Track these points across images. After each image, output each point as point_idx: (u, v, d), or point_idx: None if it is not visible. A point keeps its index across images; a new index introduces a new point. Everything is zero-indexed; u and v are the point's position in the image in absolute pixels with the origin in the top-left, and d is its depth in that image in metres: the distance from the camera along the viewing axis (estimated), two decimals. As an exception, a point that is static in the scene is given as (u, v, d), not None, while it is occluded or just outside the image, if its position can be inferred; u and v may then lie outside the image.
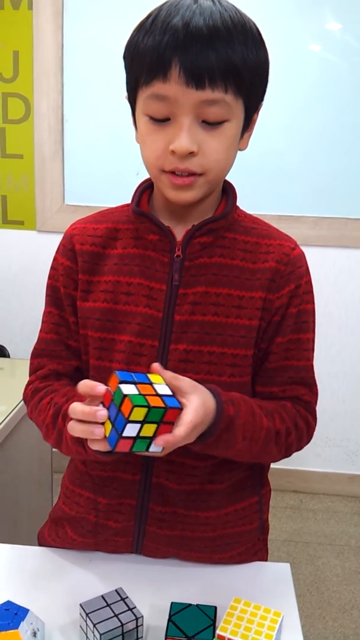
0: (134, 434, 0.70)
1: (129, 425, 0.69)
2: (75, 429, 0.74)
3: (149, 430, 0.70)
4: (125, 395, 0.69)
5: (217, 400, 0.80)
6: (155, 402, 0.70)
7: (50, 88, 2.27)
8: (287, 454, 0.93)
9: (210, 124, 0.78)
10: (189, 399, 0.74)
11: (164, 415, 0.70)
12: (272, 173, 2.27)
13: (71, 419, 0.74)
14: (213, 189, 0.86)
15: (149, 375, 0.74)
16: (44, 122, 2.31)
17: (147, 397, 0.70)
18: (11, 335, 2.46)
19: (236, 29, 0.76)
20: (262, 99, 0.85)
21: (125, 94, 0.86)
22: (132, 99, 0.84)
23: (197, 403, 0.74)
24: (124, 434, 0.69)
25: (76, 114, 2.31)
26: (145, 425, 0.69)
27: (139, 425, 0.69)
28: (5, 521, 1.55)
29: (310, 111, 2.23)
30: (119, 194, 2.57)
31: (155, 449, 0.72)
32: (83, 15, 2.22)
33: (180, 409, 0.72)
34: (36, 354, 0.98)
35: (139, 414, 0.68)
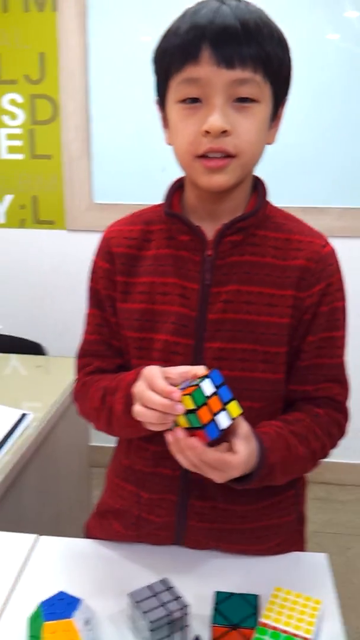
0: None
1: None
2: (147, 416, 0.78)
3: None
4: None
5: (260, 446, 0.83)
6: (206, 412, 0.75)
7: (76, 88, 2.31)
8: (322, 460, 0.96)
9: (242, 102, 0.80)
10: (238, 448, 0.79)
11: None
12: (295, 165, 2.28)
13: (145, 406, 0.78)
14: (245, 174, 0.87)
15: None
16: (71, 122, 2.34)
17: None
18: (44, 333, 2.51)
19: (264, 26, 0.80)
20: (287, 93, 0.87)
21: (153, 98, 0.88)
22: (163, 95, 0.86)
23: (243, 455, 0.79)
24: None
25: (102, 114, 2.34)
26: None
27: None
28: (49, 514, 1.60)
29: (331, 101, 2.24)
30: (146, 190, 2.60)
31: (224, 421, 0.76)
32: (107, 15, 2.25)
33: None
34: (82, 354, 1.01)
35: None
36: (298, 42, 2.33)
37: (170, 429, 0.78)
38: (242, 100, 0.80)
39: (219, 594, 0.86)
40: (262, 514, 0.98)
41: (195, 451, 0.76)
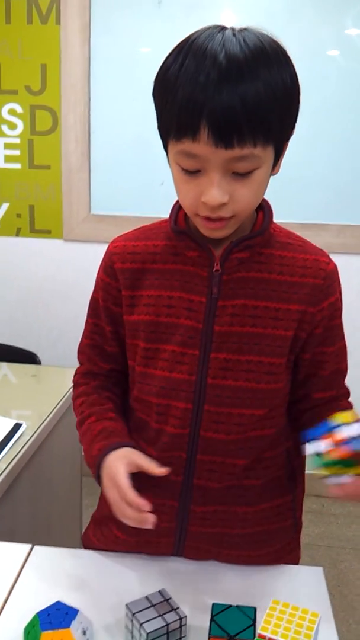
0: None
1: None
2: (129, 521, 0.87)
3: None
4: None
5: None
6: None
7: (77, 101, 2.33)
8: None
9: (240, 174, 0.80)
10: None
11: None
12: (296, 181, 2.30)
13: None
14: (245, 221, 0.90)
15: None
16: (71, 134, 2.36)
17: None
18: (38, 342, 2.52)
19: (259, 63, 0.75)
20: (294, 128, 0.85)
21: (154, 115, 0.86)
22: (164, 141, 0.85)
23: None
24: None
25: (102, 126, 2.36)
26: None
27: None
28: (40, 524, 1.60)
29: (331, 117, 2.26)
30: (144, 203, 2.63)
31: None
32: (109, 29, 2.27)
33: None
34: (80, 350, 1.09)
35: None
36: (299, 57, 2.35)
37: None
38: (241, 173, 0.80)
39: (216, 606, 0.86)
40: (261, 517, 1.00)
41: None
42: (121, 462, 0.89)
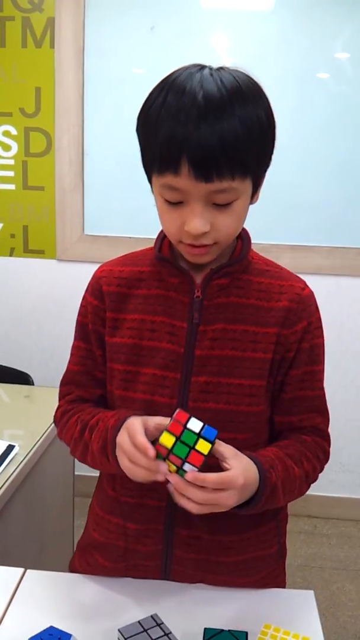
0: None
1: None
2: (134, 472, 0.83)
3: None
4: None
5: (259, 468, 0.87)
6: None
7: (71, 123, 2.36)
8: (312, 483, 1.00)
9: (221, 205, 0.84)
10: (230, 464, 0.82)
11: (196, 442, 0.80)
12: (285, 204, 2.33)
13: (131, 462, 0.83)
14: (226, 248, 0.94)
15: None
16: (65, 156, 2.38)
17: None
18: (31, 361, 2.52)
19: (235, 101, 0.79)
20: (270, 162, 0.89)
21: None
22: (148, 174, 0.89)
23: (238, 468, 0.82)
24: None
25: (96, 148, 2.39)
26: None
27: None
28: (33, 546, 1.59)
29: (322, 141, 2.30)
30: (137, 224, 2.65)
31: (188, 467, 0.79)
32: (103, 53, 2.31)
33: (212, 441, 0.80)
34: (65, 382, 1.05)
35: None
36: (290, 81, 2.39)
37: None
38: (221, 204, 0.84)
39: (208, 630, 0.87)
40: (246, 545, 1.01)
41: (197, 480, 0.78)
42: (137, 419, 0.86)
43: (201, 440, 0.80)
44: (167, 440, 0.80)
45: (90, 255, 2.41)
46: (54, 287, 2.52)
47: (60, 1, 2.26)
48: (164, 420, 0.83)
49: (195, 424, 0.80)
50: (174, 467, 0.80)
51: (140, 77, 2.29)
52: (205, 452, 0.79)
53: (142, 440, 0.81)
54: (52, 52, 2.32)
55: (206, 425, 0.81)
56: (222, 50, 2.27)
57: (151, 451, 0.79)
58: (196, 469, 0.79)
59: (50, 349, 2.57)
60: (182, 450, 0.79)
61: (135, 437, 0.82)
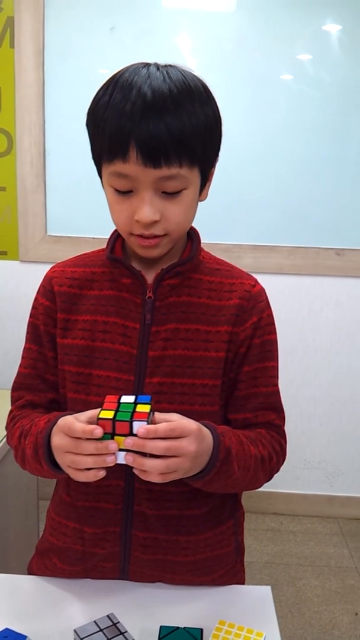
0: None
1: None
2: (82, 462, 0.78)
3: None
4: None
5: (212, 432, 0.86)
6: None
7: (32, 123, 2.34)
8: (270, 477, 1.00)
9: (170, 194, 0.85)
10: (176, 417, 0.81)
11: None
12: (247, 203, 2.34)
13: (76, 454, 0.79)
14: (177, 243, 0.94)
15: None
16: (26, 156, 2.36)
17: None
18: (-6, 364, 2.49)
19: (183, 97, 0.82)
20: (217, 157, 0.92)
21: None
22: (97, 167, 0.91)
23: (187, 419, 0.81)
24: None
25: (58, 148, 2.37)
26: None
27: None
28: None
29: (283, 141, 2.31)
30: (99, 225, 2.62)
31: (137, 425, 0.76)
32: (64, 53, 2.29)
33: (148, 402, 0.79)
34: (16, 387, 1.04)
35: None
36: (253, 82, 2.40)
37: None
38: (170, 192, 0.85)
39: (163, 628, 0.87)
40: (204, 544, 1.01)
41: (149, 432, 0.75)
42: (68, 417, 0.82)
43: (139, 405, 0.79)
44: (106, 414, 0.77)
45: (54, 256, 2.35)
46: (18, 289, 2.49)
47: (20, 1, 2.24)
48: (95, 412, 0.79)
49: (128, 398, 0.80)
50: (122, 439, 0.76)
51: (102, 76, 2.25)
52: (147, 410, 0.78)
53: (81, 425, 0.77)
54: (12, 51, 2.29)
55: (138, 395, 0.81)
56: (184, 50, 2.27)
57: (97, 429, 0.75)
58: (145, 423, 0.76)
59: (14, 351, 2.52)
60: (125, 414, 0.77)
61: (73, 426, 0.78)
